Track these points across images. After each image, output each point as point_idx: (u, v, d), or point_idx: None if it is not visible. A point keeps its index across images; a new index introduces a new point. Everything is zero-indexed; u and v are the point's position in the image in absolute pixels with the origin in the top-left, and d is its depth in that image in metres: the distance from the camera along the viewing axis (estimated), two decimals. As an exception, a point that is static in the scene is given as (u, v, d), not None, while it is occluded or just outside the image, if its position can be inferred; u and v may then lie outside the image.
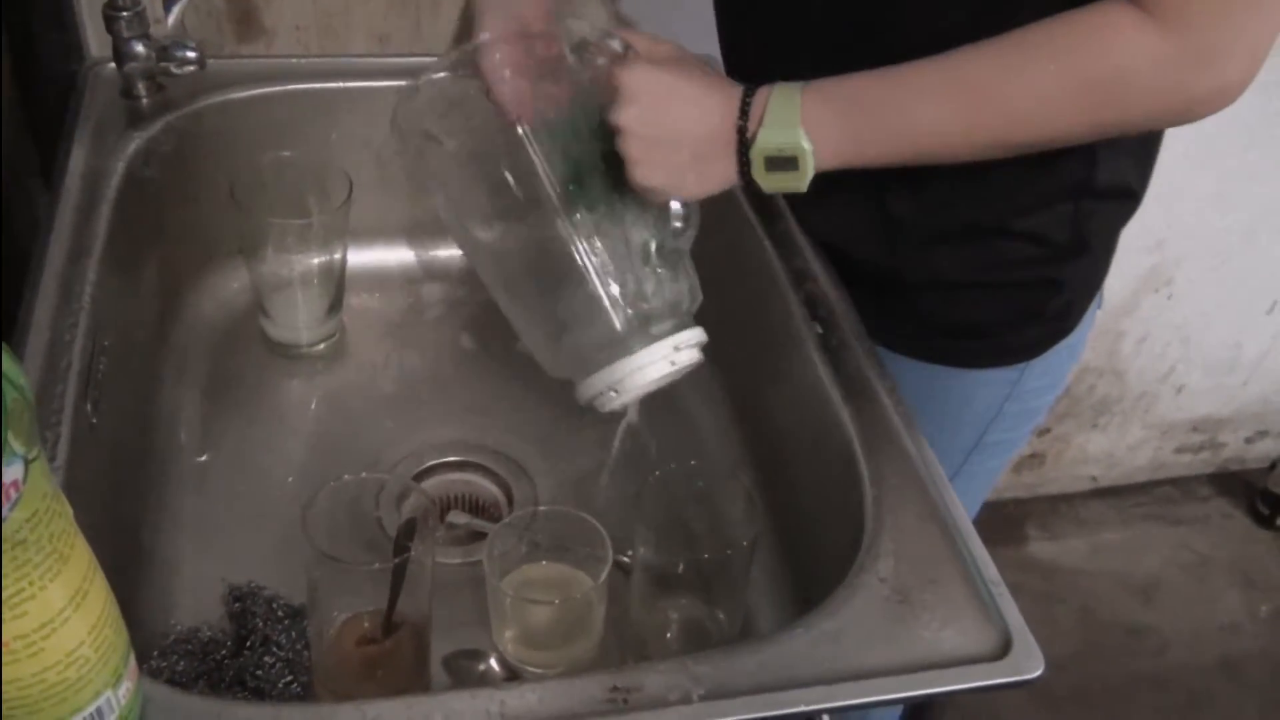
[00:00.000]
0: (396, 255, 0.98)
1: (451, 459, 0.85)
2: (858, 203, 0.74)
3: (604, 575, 0.68)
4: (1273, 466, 2.01)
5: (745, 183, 0.65)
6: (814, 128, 0.62)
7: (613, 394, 0.67)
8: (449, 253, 0.98)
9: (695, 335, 0.68)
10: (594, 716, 0.51)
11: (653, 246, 0.68)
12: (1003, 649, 0.56)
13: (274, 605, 0.70)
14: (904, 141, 0.63)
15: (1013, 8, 0.60)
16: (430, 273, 0.99)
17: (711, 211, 0.69)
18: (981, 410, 0.80)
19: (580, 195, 0.67)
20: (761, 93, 0.64)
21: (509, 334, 0.73)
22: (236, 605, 0.70)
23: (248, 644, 0.67)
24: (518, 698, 0.52)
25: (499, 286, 0.72)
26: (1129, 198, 0.76)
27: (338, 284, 0.89)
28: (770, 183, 0.64)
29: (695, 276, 0.70)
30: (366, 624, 0.67)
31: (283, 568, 0.72)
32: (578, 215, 0.67)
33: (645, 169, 0.64)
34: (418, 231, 0.98)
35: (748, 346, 0.81)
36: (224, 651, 0.67)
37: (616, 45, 0.68)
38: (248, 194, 0.83)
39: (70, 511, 0.41)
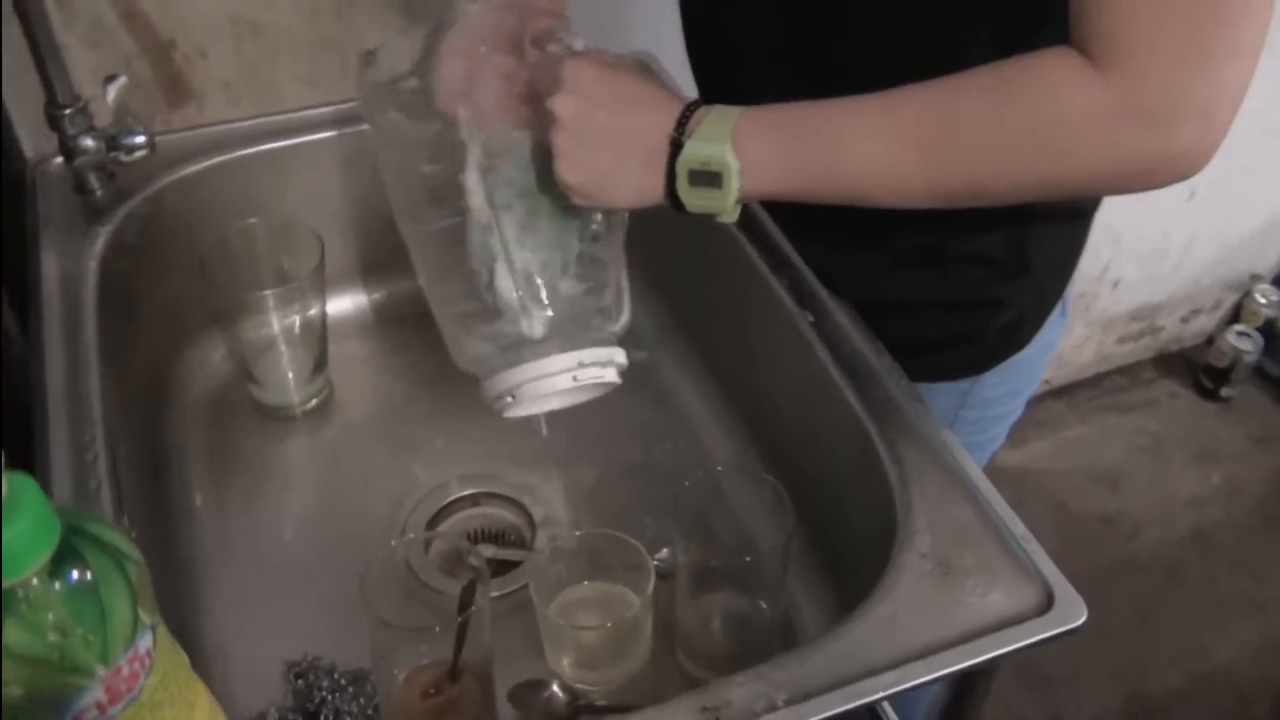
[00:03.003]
0: (371, 297, 0.99)
1: (465, 493, 0.87)
2: (801, 214, 0.73)
3: (649, 589, 0.70)
4: (1209, 341, 2.11)
5: (669, 199, 0.62)
6: (744, 148, 0.59)
7: (509, 399, 0.66)
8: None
9: (607, 354, 0.66)
10: (690, 738, 0.54)
11: (574, 252, 0.66)
12: (1046, 602, 0.60)
13: (336, 675, 0.71)
14: (833, 176, 0.60)
15: (963, 46, 0.59)
16: (406, 307, 0.99)
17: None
18: (939, 416, 0.82)
19: (505, 187, 0.65)
20: (701, 109, 0.61)
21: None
22: (299, 682, 0.71)
23: (320, 718, 0.69)
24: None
25: (422, 271, 0.71)
26: (1079, 217, 0.76)
27: (320, 340, 0.89)
28: (693, 199, 0.61)
29: (625, 295, 0.68)
30: (431, 674, 0.69)
31: (332, 632, 0.74)
32: (499, 208, 0.65)
33: (568, 163, 0.62)
34: (387, 269, 0.98)
35: (740, 342, 0.83)
36: (299, 730, 0.69)
37: (578, 44, 0.66)
38: (218, 268, 0.83)
39: (186, 658, 0.42)
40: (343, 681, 0.71)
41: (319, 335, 0.88)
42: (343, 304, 0.98)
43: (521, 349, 0.65)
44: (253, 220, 0.85)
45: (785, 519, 0.67)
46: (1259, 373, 2.07)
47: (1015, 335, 0.79)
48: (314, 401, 0.91)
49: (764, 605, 0.73)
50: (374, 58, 0.72)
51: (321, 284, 0.85)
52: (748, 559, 0.68)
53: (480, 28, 0.68)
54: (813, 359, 0.74)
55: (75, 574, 0.37)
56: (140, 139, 0.80)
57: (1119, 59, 0.51)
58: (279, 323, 0.85)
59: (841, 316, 0.76)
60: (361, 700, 0.71)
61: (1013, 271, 0.75)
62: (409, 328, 0.97)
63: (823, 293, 0.78)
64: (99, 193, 0.82)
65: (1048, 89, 0.53)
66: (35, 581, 0.36)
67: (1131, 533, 1.87)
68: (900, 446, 0.68)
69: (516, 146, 0.66)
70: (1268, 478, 1.97)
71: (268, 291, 0.83)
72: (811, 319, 0.76)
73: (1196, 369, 2.09)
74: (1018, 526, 0.64)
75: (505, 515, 0.87)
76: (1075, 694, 1.63)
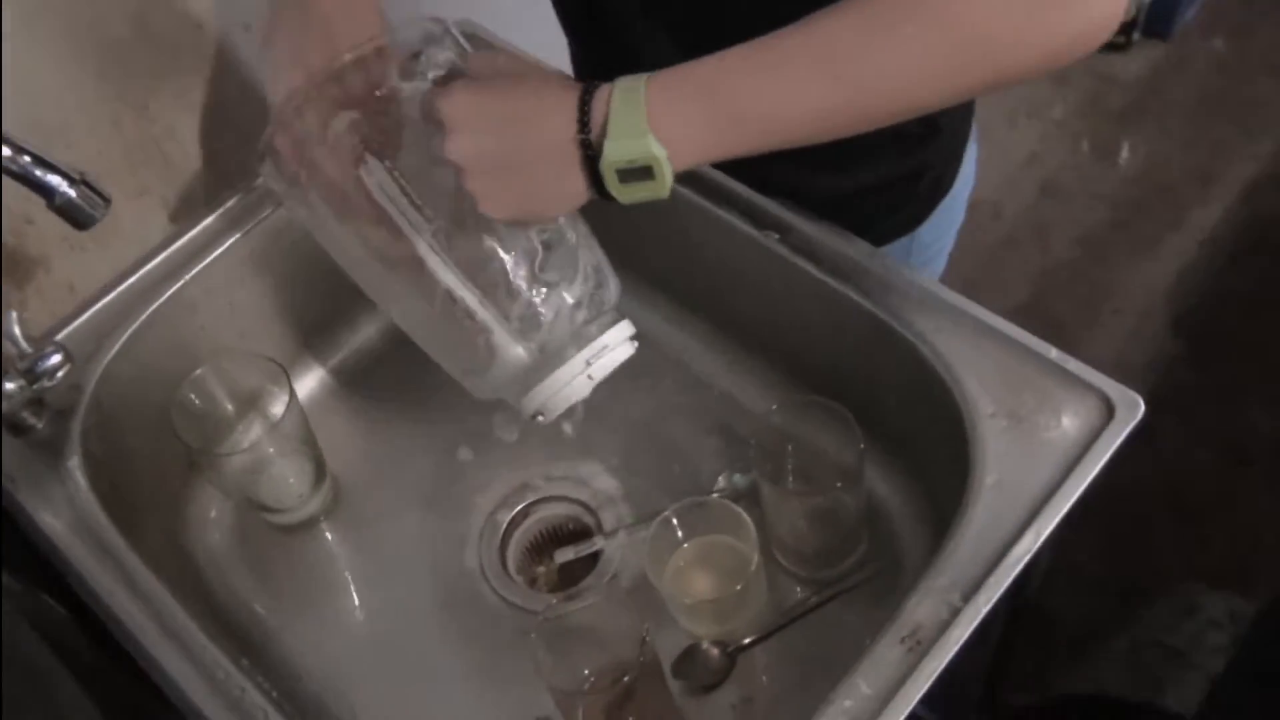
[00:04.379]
0: (328, 366, 0.97)
1: (516, 510, 0.89)
2: None
3: (753, 537, 0.75)
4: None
5: (601, 197, 0.60)
6: (666, 129, 0.56)
7: (541, 418, 0.66)
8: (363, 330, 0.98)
9: (611, 336, 0.65)
10: (904, 669, 0.60)
11: (536, 263, 0.64)
12: (1109, 409, 0.67)
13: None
14: (764, 131, 0.58)
15: None
16: (364, 357, 0.98)
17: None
18: None
19: (440, 232, 0.64)
20: (601, 95, 0.57)
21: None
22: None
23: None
24: (846, 692, 0.60)
25: (404, 328, 0.71)
26: None
27: (313, 449, 0.87)
28: (626, 194, 0.59)
29: (605, 267, 0.67)
30: (607, 695, 0.73)
31: (489, 695, 0.78)
32: (443, 255, 0.64)
33: (492, 203, 0.59)
34: (330, 331, 0.96)
35: (720, 283, 0.85)
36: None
37: (448, 54, 0.63)
38: (190, 430, 0.81)
39: None
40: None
41: (311, 446, 0.87)
42: (306, 386, 0.95)
43: (530, 373, 0.65)
44: (197, 370, 0.82)
45: (852, 435, 0.72)
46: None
47: (940, 184, 0.85)
48: (330, 499, 0.91)
49: (848, 500, 0.79)
50: (263, 151, 0.68)
51: (298, 410, 0.83)
52: (838, 484, 0.73)
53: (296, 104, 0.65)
54: (796, 271, 0.78)
55: None
56: (58, 357, 0.75)
57: None
58: (271, 448, 0.83)
59: (801, 223, 0.79)
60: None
61: (927, 137, 0.79)
62: (377, 371, 0.97)
63: (773, 207, 0.80)
64: (40, 425, 0.77)
65: None
66: None
67: (994, 213, 2.01)
68: (911, 318, 0.73)
69: (433, 183, 0.64)
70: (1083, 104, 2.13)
71: (248, 432, 0.82)
72: (777, 236, 0.79)
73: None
74: (1051, 351, 0.70)
75: (563, 512, 0.90)
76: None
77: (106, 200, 0.62)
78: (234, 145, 0.97)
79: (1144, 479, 1.56)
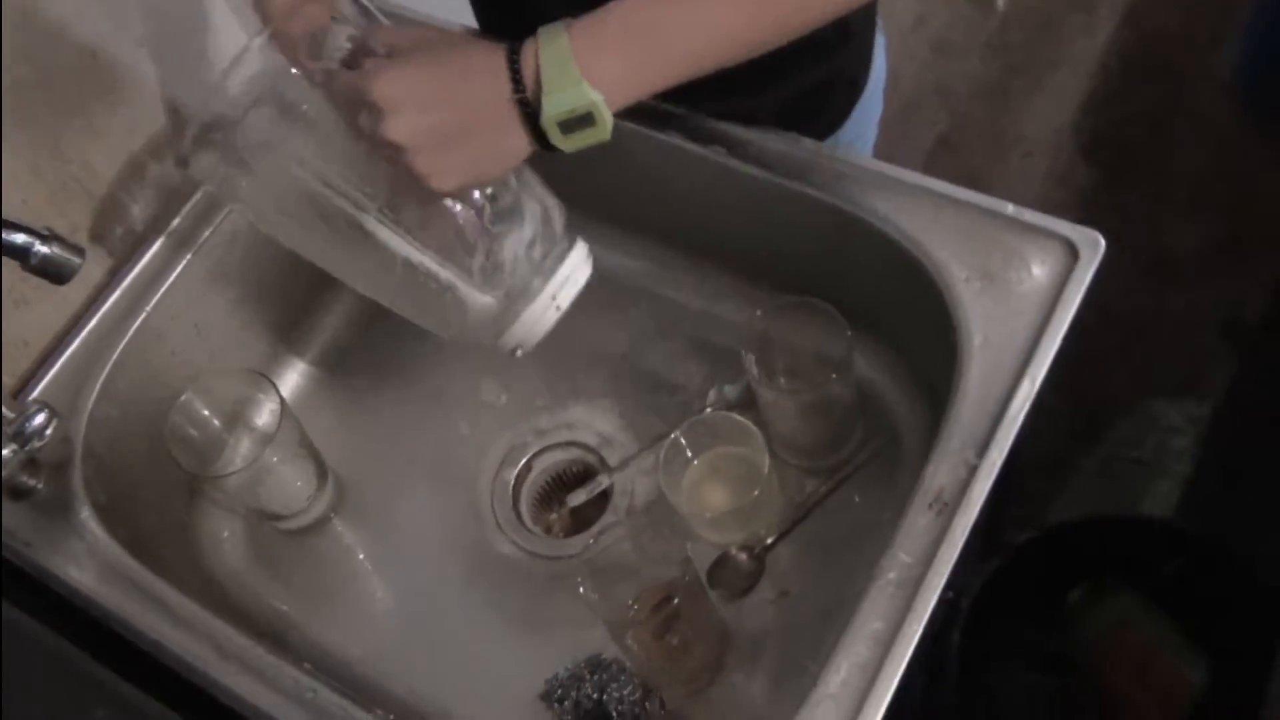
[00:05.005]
0: (306, 360, 0.97)
1: (520, 465, 0.91)
2: None
3: (762, 444, 0.78)
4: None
5: (545, 149, 0.62)
6: (596, 74, 0.58)
7: (520, 351, 0.69)
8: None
9: (570, 266, 0.68)
10: (937, 532, 0.64)
11: (485, 217, 0.66)
12: (1073, 251, 0.71)
13: (586, 677, 0.78)
14: (684, 62, 0.61)
15: None
16: (343, 342, 0.98)
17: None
18: None
19: (385, 206, 0.65)
20: (527, 52, 0.59)
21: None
22: (561, 705, 0.78)
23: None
24: (888, 565, 0.63)
25: (370, 295, 0.73)
26: None
27: (310, 449, 0.88)
28: (570, 143, 0.61)
29: (543, 192, 0.69)
30: (655, 614, 0.76)
31: (525, 646, 0.81)
32: (392, 228, 0.64)
33: (440, 177, 0.60)
34: (303, 325, 0.96)
35: (676, 208, 0.86)
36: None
37: (348, 29, 0.62)
38: (188, 456, 0.82)
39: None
40: (596, 676, 0.78)
41: (309, 449, 0.87)
42: (287, 388, 0.95)
43: (500, 317, 0.68)
44: (183, 398, 0.82)
45: (838, 327, 0.75)
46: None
47: (856, 85, 0.88)
48: (336, 494, 0.91)
49: (841, 389, 0.82)
50: (184, 155, 0.67)
51: (293, 418, 0.83)
52: (823, 373, 0.76)
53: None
54: (748, 180, 0.79)
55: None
56: (41, 415, 0.74)
57: None
58: (274, 457, 0.84)
59: (742, 133, 0.80)
60: (616, 680, 0.78)
61: (840, 43, 0.81)
62: (352, 359, 0.98)
63: (710, 122, 0.81)
64: (40, 486, 0.76)
65: None
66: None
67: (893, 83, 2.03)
68: (870, 203, 0.75)
69: (365, 156, 0.64)
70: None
71: (245, 445, 0.83)
72: (724, 149, 0.80)
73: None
74: (1004, 206, 0.73)
75: (565, 458, 0.92)
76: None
77: (80, 250, 0.61)
78: (150, 162, 0.95)
79: (1084, 308, 1.62)
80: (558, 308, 0.67)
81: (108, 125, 0.92)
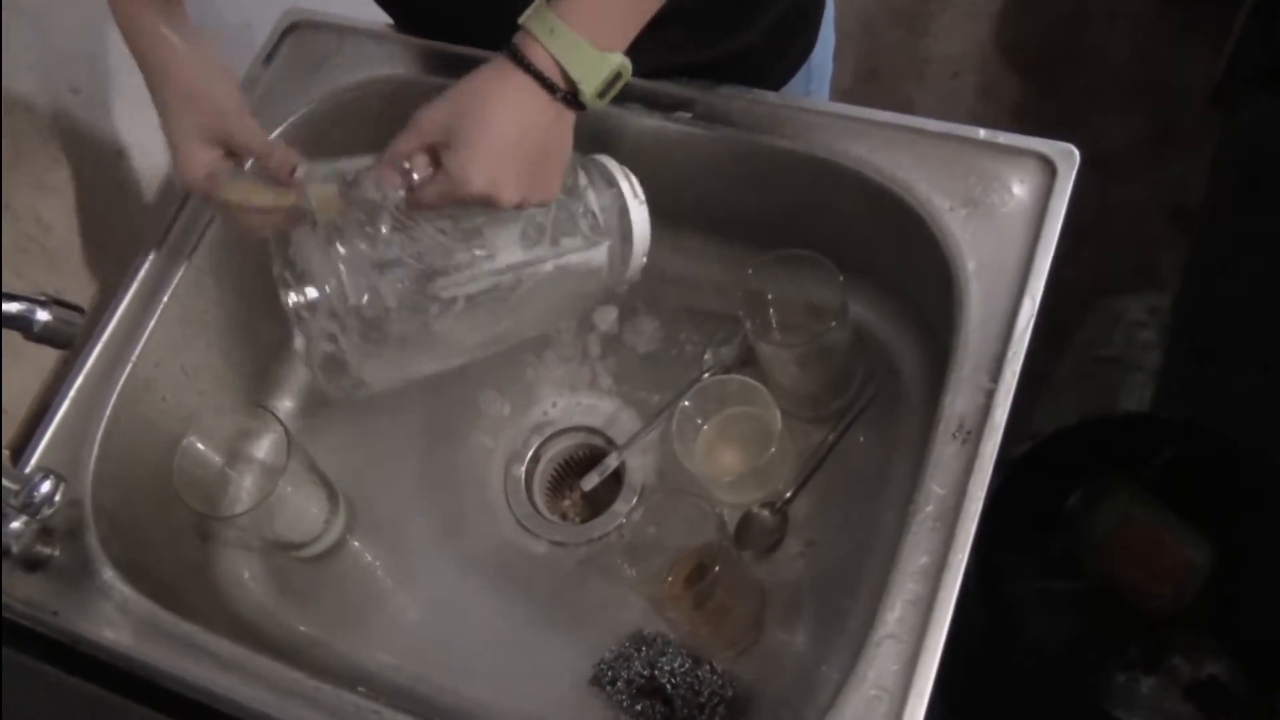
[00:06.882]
0: (302, 392, 0.96)
1: (528, 458, 0.91)
2: None
3: (771, 402, 0.79)
4: None
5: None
6: (604, 39, 0.61)
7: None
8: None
9: (619, 172, 0.73)
10: (965, 460, 0.65)
11: (549, 216, 0.70)
12: (1050, 166, 0.72)
13: (634, 655, 0.79)
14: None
15: None
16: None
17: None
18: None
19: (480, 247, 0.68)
20: (531, 52, 0.61)
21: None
22: (614, 687, 0.78)
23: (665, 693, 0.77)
24: (924, 500, 0.64)
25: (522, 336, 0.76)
26: None
27: (320, 477, 0.87)
28: (606, 101, 0.64)
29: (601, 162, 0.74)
30: (691, 583, 0.77)
31: (567, 636, 0.81)
32: (499, 261, 0.69)
33: (547, 194, 0.65)
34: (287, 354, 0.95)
35: (658, 174, 0.86)
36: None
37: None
38: (199, 499, 0.81)
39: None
40: (645, 652, 0.79)
41: (319, 475, 0.86)
42: (285, 411, 0.95)
43: (621, 251, 0.74)
44: (184, 442, 0.80)
45: (831, 275, 0.75)
46: None
47: (819, 4, 0.88)
48: (350, 515, 0.91)
49: (839, 335, 0.82)
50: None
51: (302, 450, 0.83)
52: (820, 322, 0.77)
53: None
54: (716, 141, 0.79)
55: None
56: (47, 483, 0.72)
57: None
58: (289, 486, 0.83)
59: (702, 94, 0.80)
60: (663, 655, 0.79)
61: None
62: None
63: (668, 88, 0.81)
64: (56, 553, 0.75)
65: None
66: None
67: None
68: (843, 146, 0.76)
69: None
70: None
71: (252, 480, 0.82)
72: (689, 115, 0.80)
73: None
74: (976, 132, 0.74)
75: (572, 443, 0.92)
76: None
77: (80, 310, 0.60)
78: (105, 209, 0.93)
79: (1069, 219, 1.65)
80: (641, 201, 0.73)
81: (54, 178, 0.89)
